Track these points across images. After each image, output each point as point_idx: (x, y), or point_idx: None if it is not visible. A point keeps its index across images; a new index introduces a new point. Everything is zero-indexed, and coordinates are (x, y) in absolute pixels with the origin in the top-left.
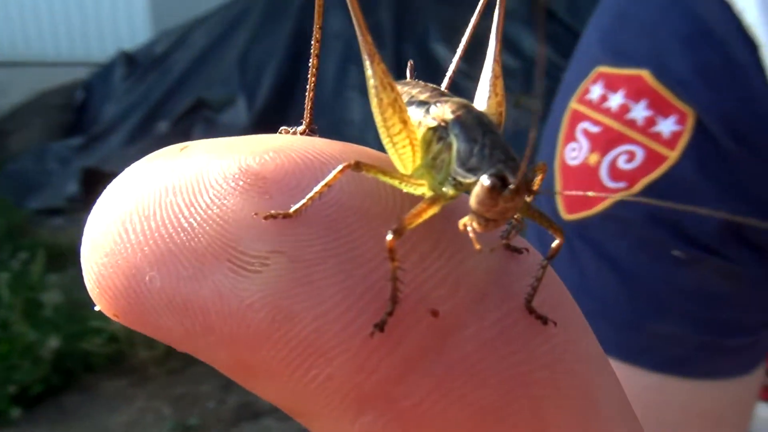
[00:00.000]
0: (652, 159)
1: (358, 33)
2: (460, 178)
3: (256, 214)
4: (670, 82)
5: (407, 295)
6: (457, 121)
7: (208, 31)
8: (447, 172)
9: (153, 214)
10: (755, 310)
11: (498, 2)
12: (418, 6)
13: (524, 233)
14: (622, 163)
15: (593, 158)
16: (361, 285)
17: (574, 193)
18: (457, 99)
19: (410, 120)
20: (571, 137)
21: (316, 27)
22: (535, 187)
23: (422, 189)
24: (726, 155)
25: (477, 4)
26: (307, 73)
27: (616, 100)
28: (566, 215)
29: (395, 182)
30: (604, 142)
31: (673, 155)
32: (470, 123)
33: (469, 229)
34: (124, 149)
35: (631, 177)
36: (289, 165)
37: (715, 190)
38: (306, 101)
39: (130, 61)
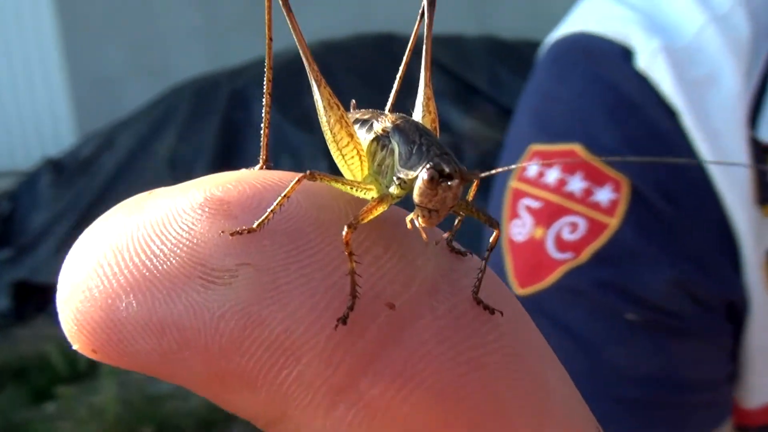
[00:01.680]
0: (595, 227)
1: (304, 60)
2: (402, 176)
3: (222, 232)
4: (602, 154)
5: (365, 292)
6: (396, 128)
7: (135, 132)
8: (392, 175)
9: (126, 248)
10: (713, 365)
11: (425, 31)
12: (345, 90)
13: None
14: (567, 234)
15: (538, 232)
16: (322, 285)
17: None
18: (396, 114)
19: (356, 134)
20: (514, 214)
21: (267, 67)
22: (470, 197)
23: (371, 193)
24: (663, 218)
25: (402, 85)
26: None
27: (552, 175)
28: (519, 290)
29: (346, 188)
30: (547, 215)
31: (613, 222)
32: (408, 128)
33: (416, 224)
34: (55, 258)
35: (576, 247)
36: (251, 190)
37: (658, 251)
38: (261, 138)
39: (56, 167)
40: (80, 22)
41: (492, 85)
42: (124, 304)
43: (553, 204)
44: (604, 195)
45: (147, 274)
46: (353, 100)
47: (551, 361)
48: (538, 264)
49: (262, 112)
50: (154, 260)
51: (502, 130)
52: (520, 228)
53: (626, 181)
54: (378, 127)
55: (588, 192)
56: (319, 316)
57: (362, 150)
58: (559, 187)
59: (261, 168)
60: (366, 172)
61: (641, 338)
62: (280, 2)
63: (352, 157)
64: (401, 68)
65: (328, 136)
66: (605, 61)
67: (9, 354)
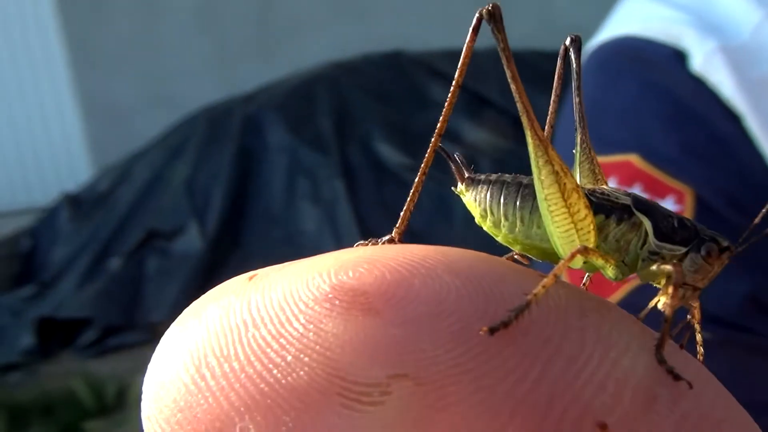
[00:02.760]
0: None
1: (525, 124)
2: (665, 252)
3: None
4: (661, 163)
5: (567, 407)
6: (638, 201)
7: (150, 162)
8: (637, 250)
9: (234, 354)
10: None
11: (574, 92)
12: (357, 109)
13: None
14: None
15: None
16: (507, 403)
17: None
18: (602, 187)
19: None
20: None
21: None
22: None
23: (619, 271)
24: (732, 229)
25: (413, 101)
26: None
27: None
28: None
29: (610, 267)
30: None
31: None
32: (648, 201)
33: (660, 306)
34: (77, 293)
35: None
36: (391, 275)
37: (731, 265)
38: (407, 203)
39: (74, 202)
40: (91, 56)
41: (504, 96)
42: (238, 429)
43: None
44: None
45: (267, 390)
46: (456, 153)
47: None
48: (602, 283)
49: (415, 177)
50: (275, 371)
51: (516, 141)
52: None
53: (690, 191)
54: (602, 199)
55: None
56: None
57: (593, 222)
58: None
59: (393, 241)
60: (594, 244)
61: (717, 358)
62: None
63: (588, 230)
64: (548, 120)
65: (555, 208)
66: (656, 66)
67: (35, 391)
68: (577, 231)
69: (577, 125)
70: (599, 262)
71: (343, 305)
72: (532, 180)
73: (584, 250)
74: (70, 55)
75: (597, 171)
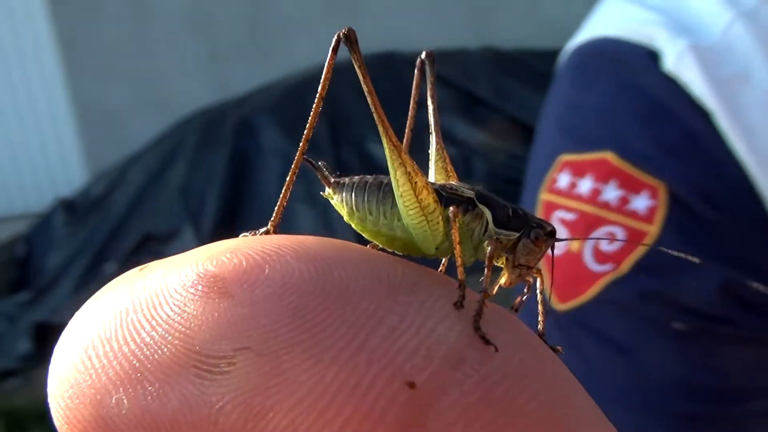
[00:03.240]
0: (633, 237)
1: (381, 132)
2: (502, 237)
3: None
4: (635, 160)
5: (381, 370)
6: (480, 194)
7: (144, 166)
8: (480, 237)
9: (114, 335)
10: (766, 372)
11: (429, 85)
12: (350, 110)
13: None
14: (605, 246)
15: (575, 245)
16: (333, 367)
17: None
18: (450, 182)
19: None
20: None
21: (317, 100)
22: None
23: (434, 238)
24: (705, 222)
25: (406, 102)
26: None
27: (585, 185)
28: (559, 305)
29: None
30: (583, 227)
31: (653, 229)
32: (488, 194)
33: (503, 282)
34: (73, 298)
35: (616, 258)
36: (248, 262)
37: (704, 257)
38: (279, 200)
39: (68, 207)
40: (83, 61)
41: (496, 95)
42: (114, 401)
43: (588, 215)
44: (640, 202)
45: (137, 365)
46: (321, 162)
47: (597, 420)
48: (577, 278)
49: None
50: (145, 349)
51: (510, 141)
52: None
53: (663, 186)
54: (451, 193)
55: (624, 200)
56: (329, 404)
57: (442, 214)
58: (594, 197)
59: (267, 232)
60: (441, 237)
61: (691, 348)
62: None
63: (437, 222)
64: (408, 124)
65: (409, 203)
66: (632, 66)
67: (32, 397)
68: (428, 222)
69: (432, 129)
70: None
71: (204, 290)
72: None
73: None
74: (62, 60)
75: (449, 169)
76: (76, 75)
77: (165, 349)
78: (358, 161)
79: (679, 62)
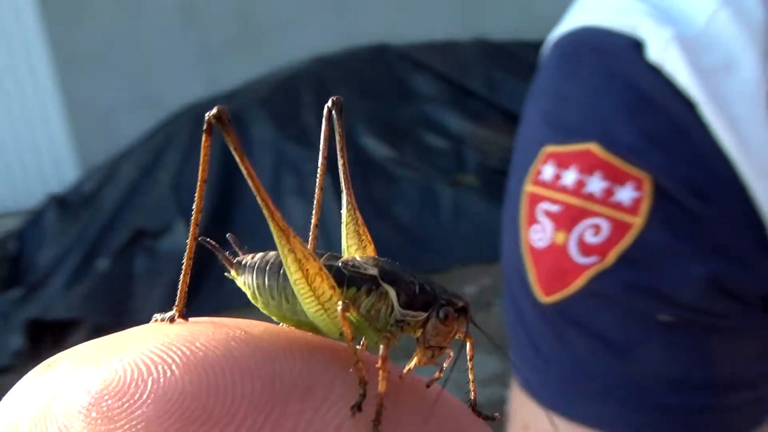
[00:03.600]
0: (619, 228)
1: (267, 216)
2: (408, 319)
3: None
4: (620, 151)
5: None
6: (384, 271)
7: (136, 162)
8: (386, 319)
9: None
10: (753, 362)
11: (339, 153)
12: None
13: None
14: (590, 237)
15: (560, 237)
16: None
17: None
18: (354, 257)
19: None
20: (532, 220)
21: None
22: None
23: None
24: (691, 214)
25: (398, 94)
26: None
27: (570, 177)
28: (544, 298)
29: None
30: (567, 219)
31: (637, 221)
32: (394, 269)
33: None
34: (66, 294)
35: (601, 250)
36: (131, 376)
37: (688, 248)
38: (180, 284)
39: (60, 203)
40: (73, 58)
41: (488, 87)
42: None
43: (573, 207)
44: (625, 194)
45: None
46: (229, 234)
47: None
48: (562, 270)
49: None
50: None
51: (501, 133)
52: (540, 234)
53: (648, 177)
54: (354, 272)
55: (609, 192)
56: None
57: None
58: (578, 189)
59: (173, 318)
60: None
61: (677, 339)
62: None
63: (335, 310)
64: (318, 184)
65: (304, 290)
66: (616, 55)
67: None
68: (325, 311)
69: (343, 187)
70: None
71: (95, 420)
72: None
73: (343, 311)
74: (52, 56)
75: (361, 232)
76: (67, 72)
77: None
78: (350, 154)
79: (663, 52)
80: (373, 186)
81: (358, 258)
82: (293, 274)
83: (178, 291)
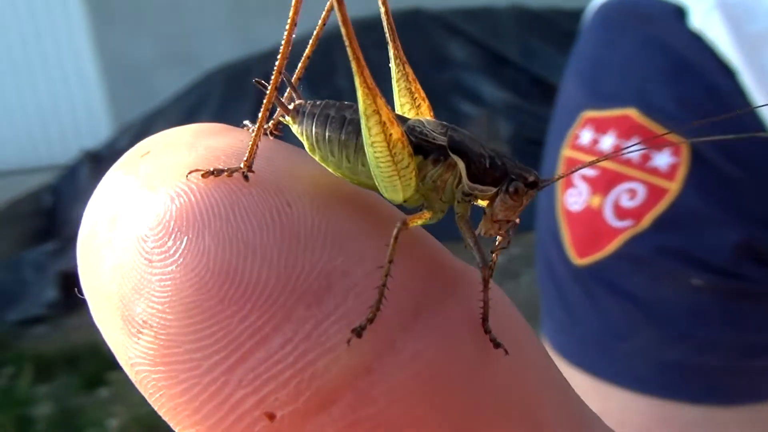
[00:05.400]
0: (654, 193)
1: (354, 71)
2: (477, 192)
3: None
4: (658, 117)
5: (246, 395)
6: (454, 142)
7: (169, 120)
8: (452, 191)
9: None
10: None
11: (384, 15)
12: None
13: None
14: (625, 201)
15: (595, 201)
16: (205, 379)
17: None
18: (422, 121)
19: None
20: (569, 183)
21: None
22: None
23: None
24: (727, 180)
25: (431, 60)
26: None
27: (607, 142)
28: (578, 260)
29: (430, 218)
30: (604, 183)
31: (674, 187)
32: (466, 141)
33: (482, 233)
34: None
35: (636, 214)
36: (186, 221)
37: (723, 215)
38: (254, 137)
39: (94, 159)
40: (110, 15)
41: (523, 55)
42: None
43: (609, 171)
44: (662, 159)
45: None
46: (284, 72)
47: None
48: (597, 233)
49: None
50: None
51: (535, 100)
52: (576, 197)
53: (685, 143)
54: (421, 140)
55: (646, 157)
56: (193, 412)
57: (415, 168)
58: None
59: (240, 170)
60: (411, 191)
61: (708, 303)
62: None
63: (410, 177)
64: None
65: (381, 156)
66: (657, 22)
67: (61, 343)
68: (399, 177)
69: (388, 38)
70: (419, 222)
71: (145, 248)
72: (355, 114)
73: (404, 225)
74: (89, 13)
75: (413, 89)
76: (103, 28)
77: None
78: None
79: (705, 19)
80: None
81: (425, 123)
82: (373, 136)
83: (250, 144)
